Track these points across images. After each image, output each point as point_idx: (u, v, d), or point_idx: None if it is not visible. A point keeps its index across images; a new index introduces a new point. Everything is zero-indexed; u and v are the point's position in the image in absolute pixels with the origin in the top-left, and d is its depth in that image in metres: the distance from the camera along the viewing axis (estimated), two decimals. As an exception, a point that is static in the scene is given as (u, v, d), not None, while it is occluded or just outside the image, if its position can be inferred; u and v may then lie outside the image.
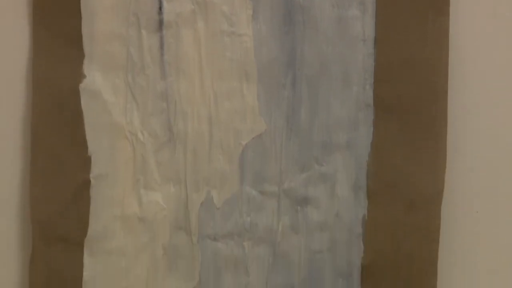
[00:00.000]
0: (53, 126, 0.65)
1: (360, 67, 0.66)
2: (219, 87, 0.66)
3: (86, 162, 0.66)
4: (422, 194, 0.66)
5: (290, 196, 0.67)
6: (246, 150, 0.67)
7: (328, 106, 0.66)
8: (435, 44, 0.65)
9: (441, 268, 0.66)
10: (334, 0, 0.65)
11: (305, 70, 0.66)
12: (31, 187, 0.66)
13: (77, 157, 0.65)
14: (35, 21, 0.65)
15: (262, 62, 0.66)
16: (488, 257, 0.69)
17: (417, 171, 0.65)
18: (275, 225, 0.67)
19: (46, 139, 0.65)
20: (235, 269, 0.67)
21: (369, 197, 0.67)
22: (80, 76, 0.65)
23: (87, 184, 0.66)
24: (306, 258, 0.67)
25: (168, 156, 0.66)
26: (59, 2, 0.65)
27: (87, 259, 0.66)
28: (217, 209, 0.67)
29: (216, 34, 0.66)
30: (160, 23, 0.65)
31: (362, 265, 0.67)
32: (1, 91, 0.67)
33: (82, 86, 0.65)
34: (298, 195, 0.67)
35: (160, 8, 0.65)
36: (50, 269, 0.66)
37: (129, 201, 0.66)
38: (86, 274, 0.66)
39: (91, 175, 0.66)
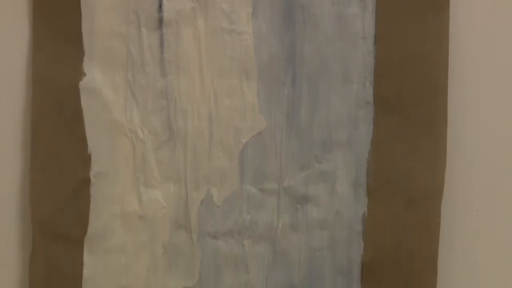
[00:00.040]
0: (53, 124, 0.65)
1: (360, 65, 0.66)
2: (219, 85, 0.66)
3: (86, 160, 0.65)
4: (422, 191, 0.66)
5: (290, 194, 0.67)
6: (246, 148, 0.67)
7: (328, 103, 0.66)
8: (435, 41, 0.65)
9: (441, 265, 0.66)
10: (334, -2, 0.66)
11: (305, 68, 0.66)
12: (31, 185, 0.65)
13: (77, 155, 0.65)
14: (35, 18, 0.65)
15: (262, 60, 0.66)
16: (488, 254, 0.69)
17: (417, 168, 0.66)
18: (275, 223, 0.67)
19: (46, 137, 0.65)
20: (235, 267, 0.67)
21: (369, 194, 0.67)
22: (80, 74, 0.65)
23: (87, 182, 0.66)
24: (306, 256, 0.67)
25: (168, 154, 0.66)
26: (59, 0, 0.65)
27: (87, 257, 0.66)
28: (217, 207, 0.67)
29: (216, 32, 0.66)
30: (160, 21, 0.65)
31: (362, 263, 0.67)
32: (1, 88, 0.67)
33: (82, 84, 0.65)
34: (298, 193, 0.67)
35: (160, 6, 0.65)
36: (50, 267, 0.66)
37: (129, 199, 0.66)
38: (86, 272, 0.66)
39: (91, 173, 0.66)
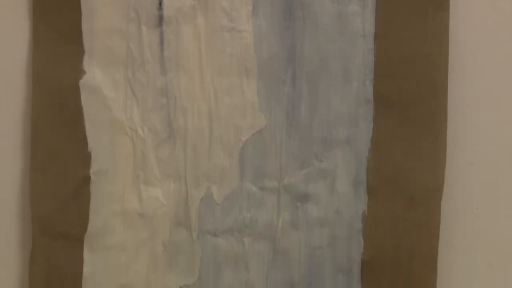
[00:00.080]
0: (53, 122, 0.65)
1: (360, 63, 0.66)
2: (219, 82, 0.66)
3: (86, 158, 0.66)
4: (422, 189, 0.66)
5: (290, 192, 0.67)
6: (246, 146, 0.67)
7: (328, 101, 0.66)
8: (435, 40, 0.65)
9: (441, 264, 0.66)
10: (334, -5, 0.66)
11: (305, 66, 0.66)
12: (31, 183, 0.66)
13: (77, 153, 0.65)
14: (35, 17, 0.65)
15: (262, 58, 0.66)
16: (488, 252, 0.69)
17: (417, 166, 0.65)
18: (275, 221, 0.67)
19: (46, 135, 0.65)
20: (235, 265, 0.67)
21: (369, 192, 0.67)
22: (80, 72, 0.65)
23: (87, 180, 0.66)
24: (306, 254, 0.67)
25: (168, 152, 0.66)
26: (59, -3, 0.65)
27: (87, 255, 0.66)
28: (217, 205, 0.67)
29: (216, 30, 0.66)
30: (160, 19, 0.65)
31: (362, 261, 0.67)
32: (1, 87, 0.67)
33: (82, 82, 0.65)
34: (298, 191, 0.67)
35: (160, 3, 0.65)
36: (50, 265, 0.66)
37: (129, 197, 0.66)
38: (86, 270, 0.66)
39: (91, 171, 0.66)
